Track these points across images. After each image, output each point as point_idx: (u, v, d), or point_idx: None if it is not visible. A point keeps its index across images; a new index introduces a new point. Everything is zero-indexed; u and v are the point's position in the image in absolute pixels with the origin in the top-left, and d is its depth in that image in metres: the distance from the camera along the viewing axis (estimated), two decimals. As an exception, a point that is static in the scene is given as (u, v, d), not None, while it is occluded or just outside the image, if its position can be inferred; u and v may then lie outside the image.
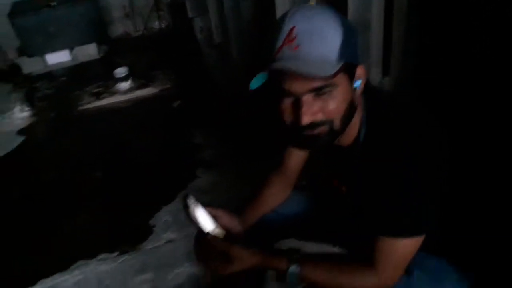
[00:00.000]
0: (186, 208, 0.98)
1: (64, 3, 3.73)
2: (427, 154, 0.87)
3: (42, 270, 1.87)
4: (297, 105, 0.83)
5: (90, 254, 1.93)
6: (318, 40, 0.79)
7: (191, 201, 0.98)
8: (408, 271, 1.00)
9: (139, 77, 3.39)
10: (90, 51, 3.93)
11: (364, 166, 0.95)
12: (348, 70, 0.84)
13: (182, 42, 3.88)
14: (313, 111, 0.82)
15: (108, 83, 3.35)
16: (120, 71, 3.27)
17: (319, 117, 0.84)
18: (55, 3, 3.71)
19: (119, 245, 1.96)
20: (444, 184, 0.92)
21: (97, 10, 3.91)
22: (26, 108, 3.15)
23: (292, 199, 1.29)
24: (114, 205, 2.21)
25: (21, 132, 2.97)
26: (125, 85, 3.26)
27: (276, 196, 1.25)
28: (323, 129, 0.85)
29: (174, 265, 1.82)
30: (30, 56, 3.75)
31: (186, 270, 1.80)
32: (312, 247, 1.19)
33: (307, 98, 0.82)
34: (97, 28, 3.92)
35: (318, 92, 0.81)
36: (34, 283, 1.82)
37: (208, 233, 0.98)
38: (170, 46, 3.91)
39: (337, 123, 0.86)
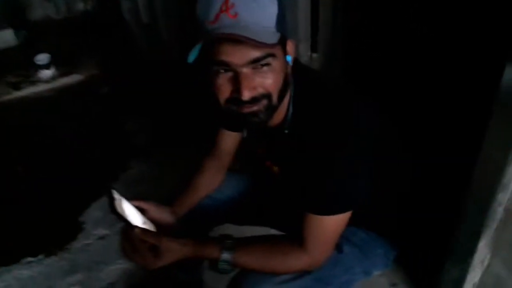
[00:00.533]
0: (111, 203, 0.89)
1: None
2: (354, 132, 0.85)
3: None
4: (235, 80, 0.78)
5: (11, 259, 1.77)
6: (256, 7, 0.74)
7: (115, 195, 0.90)
8: (338, 247, 1.00)
9: (63, 64, 3.15)
10: (6, 37, 3.60)
11: (292, 146, 0.92)
12: (282, 43, 0.80)
13: (109, 24, 3.66)
14: (253, 85, 0.78)
15: (28, 71, 3.08)
16: (41, 58, 3.02)
17: (259, 91, 0.79)
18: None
19: (45, 246, 1.81)
20: (376, 159, 0.90)
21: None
22: None
23: (226, 183, 1.25)
24: (38, 202, 2.04)
25: None
26: (47, 73, 3.02)
27: (210, 182, 1.20)
28: (261, 103, 0.81)
29: (107, 262, 1.72)
30: None
31: (120, 266, 1.70)
32: (247, 231, 1.14)
33: (246, 71, 0.77)
34: (13, 12, 3.61)
35: (257, 64, 0.77)
36: None
37: (135, 227, 0.90)
38: (97, 29, 3.68)
39: (275, 98, 0.82)
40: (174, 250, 0.89)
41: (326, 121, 0.85)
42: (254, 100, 0.80)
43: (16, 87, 2.97)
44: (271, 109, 0.83)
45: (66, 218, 1.94)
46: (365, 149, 0.86)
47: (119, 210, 0.87)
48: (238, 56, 0.75)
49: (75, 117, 2.67)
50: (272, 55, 0.77)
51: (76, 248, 1.80)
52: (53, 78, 3.02)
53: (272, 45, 0.75)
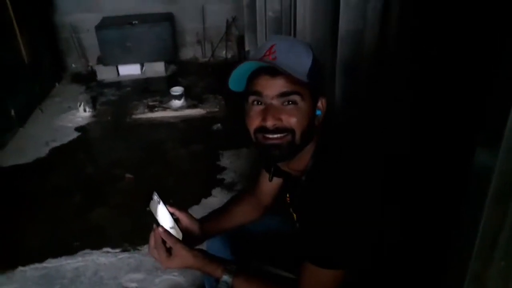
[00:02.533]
0: (148, 202, 1.07)
1: (144, 23, 4.16)
2: (359, 197, 0.92)
3: (53, 251, 2.07)
4: (265, 111, 0.92)
5: (97, 245, 2.10)
6: (293, 56, 0.92)
7: (154, 196, 1.08)
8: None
9: (193, 98, 3.63)
10: (158, 68, 4.30)
11: (307, 196, 1.01)
12: (313, 93, 0.94)
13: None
14: (278, 116, 0.92)
15: (164, 98, 3.63)
16: (176, 90, 3.53)
17: (283, 123, 0.92)
18: (136, 22, 4.15)
19: (124, 243, 2.11)
20: (376, 227, 0.95)
21: (171, 33, 4.29)
22: (89, 109, 3.50)
23: (263, 221, 1.36)
24: (133, 206, 2.36)
25: (78, 129, 3.31)
26: (178, 102, 3.51)
27: (243, 215, 1.32)
28: (285, 138, 0.93)
29: (165, 272, 1.92)
30: (105, 65, 4.19)
31: (173, 278, 1.89)
32: (262, 268, 1.24)
33: (275, 104, 0.92)
34: (168, 49, 4.30)
35: (286, 98, 0.91)
36: (42, 261, 2.02)
37: (160, 227, 1.06)
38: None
39: (297, 137, 0.93)
40: (184, 257, 1.02)
41: (337, 181, 0.94)
42: (278, 130, 0.92)
43: (151, 109, 3.51)
44: (294, 147, 0.94)
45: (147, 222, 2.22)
46: (367, 215, 0.93)
47: (152, 209, 1.04)
48: (270, 88, 0.91)
49: (185, 143, 3.05)
50: (299, 94, 0.91)
51: (146, 252, 2.05)
52: (181, 108, 3.50)
53: (301, 84, 0.89)
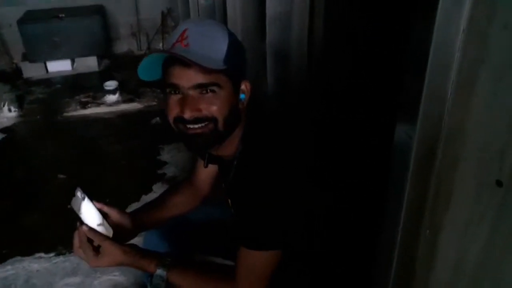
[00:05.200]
0: (72, 199, 1.00)
1: (72, 16, 3.94)
2: (285, 179, 0.92)
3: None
4: (183, 101, 0.88)
5: (28, 251, 1.96)
6: (207, 41, 0.87)
7: (78, 193, 1.01)
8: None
9: (128, 92, 3.50)
10: (90, 63, 4.10)
11: (236, 181, 0.99)
12: (233, 78, 0.90)
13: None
14: (197, 107, 0.88)
15: (97, 94, 3.47)
16: (110, 84, 3.39)
17: (203, 113, 0.89)
18: (63, 15, 3.92)
19: (58, 246, 1.99)
20: (307, 205, 0.96)
21: (103, 26, 4.10)
22: (14, 109, 3.26)
23: (203, 210, 1.33)
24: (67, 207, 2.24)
25: (3, 130, 3.08)
26: (112, 97, 3.37)
27: (181, 205, 1.28)
28: (207, 126, 0.90)
29: (104, 272, 1.84)
30: (32, 61, 3.93)
31: (113, 278, 1.81)
32: (205, 259, 1.21)
33: (193, 94, 0.88)
34: (100, 43, 4.10)
35: (203, 89, 0.87)
36: (-34, 272, 1.86)
37: (85, 224, 1.00)
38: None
39: (220, 124, 0.90)
40: (114, 255, 0.98)
41: (264, 163, 0.93)
42: (197, 120, 0.88)
43: (83, 106, 3.34)
44: (218, 134, 0.91)
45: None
46: (296, 195, 0.93)
47: (74, 206, 0.98)
48: (185, 79, 0.86)
49: (122, 139, 2.93)
50: (216, 84, 0.87)
51: (83, 254, 1.95)
52: (116, 103, 3.36)
53: (218, 71, 0.86)
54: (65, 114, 3.27)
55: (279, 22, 1.34)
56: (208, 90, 0.88)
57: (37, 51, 3.89)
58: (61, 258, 1.93)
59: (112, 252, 0.98)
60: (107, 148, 2.85)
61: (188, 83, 0.87)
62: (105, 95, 3.39)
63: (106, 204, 1.09)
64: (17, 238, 2.07)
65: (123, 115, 3.26)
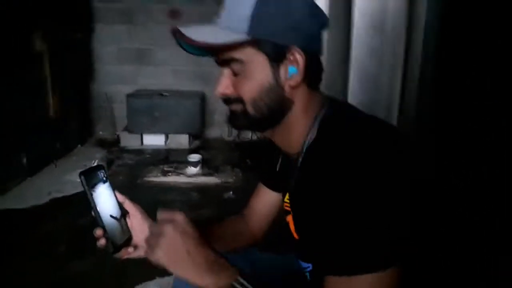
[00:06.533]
0: (87, 171, 0.82)
1: (174, 95, 4.23)
2: (384, 170, 0.64)
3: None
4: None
5: None
6: (231, 5, 0.74)
7: (100, 171, 0.83)
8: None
9: (209, 167, 3.47)
10: (182, 140, 4.25)
11: (305, 182, 0.75)
12: (266, 49, 0.72)
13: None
14: (226, 84, 0.76)
15: (180, 165, 3.49)
16: (193, 157, 3.40)
17: (231, 92, 0.76)
18: (167, 94, 4.22)
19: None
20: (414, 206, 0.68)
21: (200, 108, 4.30)
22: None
23: (249, 255, 1.06)
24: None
25: (86, 184, 3.15)
26: (193, 170, 3.35)
27: (224, 238, 1.00)
28: (237, 107, 0.76)
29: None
30: (130, 132, 4.19)
31: None
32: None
33: (227, 72, 0.76)
34: (195, 124, 4.28)
35: (227, 65, 0.75)
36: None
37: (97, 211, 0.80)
38: (251, 153, 4.02)
39: (249, 107, 0.74)
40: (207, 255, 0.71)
41: (351, 153, 0.66)
42: (227, 100, 0.77)
43: (164, 173, 3.35)
44: (247, 117, 0.75)
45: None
46: (398, 192, 0.65)
47: (85, 180, 0.78)
48: (217, 56, 0.76)
49: (193, 207, 2.80)
50: (236, 60, 0.73)
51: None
52: (195, 175, 3.32)
53: (237, 46, 0.71)
54: (146, 179, 3.29)
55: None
56: (233, 68, 0.74)
57: (137, 123, 4.16)
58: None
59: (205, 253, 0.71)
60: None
61: (218, 59, 0.76)
62: (187, 167, 3.38)
63: (131, 200, 0.89)
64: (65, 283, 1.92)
65: (200, 187, 3.18)
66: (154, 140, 4.24)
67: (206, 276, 0.68)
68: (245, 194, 1.08)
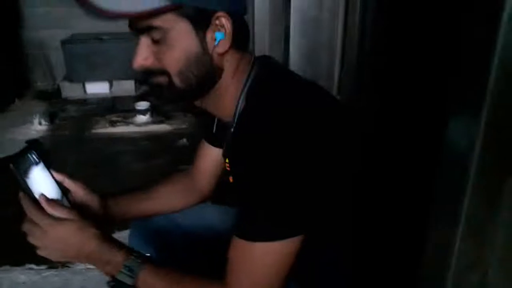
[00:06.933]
0: (15, 158, 0.78)
1: (114, 38, 3.97)
2: (305, 140, 0.65)
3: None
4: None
5: (19, 261, 1.76)
6: None
7: (30, 154, 0.79)
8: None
9: (159, 114, 3.38)
10: (127, 86, 4.07)
11: (234, 148, 0.76)
12: (190, 15, 0.67)
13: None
14: (145, 54, 0.70)
15: (128, 114, 3.38)
16: (141, 104, 3.29)
17: (153, 63, 0.70)
18: (106, 37, 3.96)
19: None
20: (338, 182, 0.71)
21: (144, 51, 4.09)
22: (44, 123, 3.22)
23: (201, 215, 1.08)
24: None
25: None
26: (142, 118, 3.26)
27: (171, 198, 1.05)
28: (161, 79, 0.71)
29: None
30: (71, 81, 3.96)
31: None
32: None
33: (144, 40, 0.70)
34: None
35: (145, 34, 0.69)
36: None
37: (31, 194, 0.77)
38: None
39: (176, 78, 0.70)
40: (81, 237, 0.74)
41: (271, 120, 0.66)
42: (149, 72, 0.71)
43: (112, 124, 3.24)
44: (174, 89, 0.71)
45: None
46: (318, 165, 0.66)
47: (18, 168, 0.75)
48: (135, 23, 0.69)
49: (144, 158, 2.77)
50: (155, 28, 0.67)
51: (76, 269, 1.72)
52: (145, 124, 3.24)
53: (144, 15, 0.65)
54: (93, 131, 3.18)
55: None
56: (152, 36, 0.68)
57: (77, 72, 3.92)
58: (52, 272, 1.72)
59: (79, 233, 0.74)
60: (127, 166, 2.69)
61: (136, 27, 0.69)
62: (135, 115, 3.28)
63: (70, 177, 0.86)
64: (11, 247, 1.87)
65: (151, 136, 3.12)
66: (97, 88, 4.04)
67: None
68: (199, 141, 1.07)
